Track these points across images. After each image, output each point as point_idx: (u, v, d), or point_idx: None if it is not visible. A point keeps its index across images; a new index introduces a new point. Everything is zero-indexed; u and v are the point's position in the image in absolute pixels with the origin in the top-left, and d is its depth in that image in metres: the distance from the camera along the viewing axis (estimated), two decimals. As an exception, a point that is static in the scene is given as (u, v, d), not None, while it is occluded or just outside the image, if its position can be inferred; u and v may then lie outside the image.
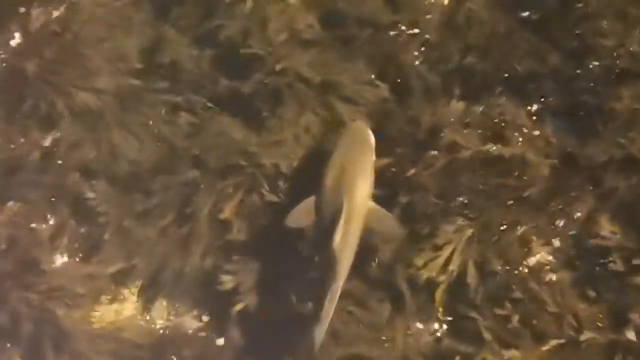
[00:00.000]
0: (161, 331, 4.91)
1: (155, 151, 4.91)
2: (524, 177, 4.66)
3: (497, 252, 4.62)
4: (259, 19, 4.89)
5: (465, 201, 4.65)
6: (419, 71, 4.90)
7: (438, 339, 4.72)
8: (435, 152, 4.69)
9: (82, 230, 4.93)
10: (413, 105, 4.85)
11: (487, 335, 4.55)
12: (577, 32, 4.82)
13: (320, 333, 4.26)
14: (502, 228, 4.64)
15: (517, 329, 4.55)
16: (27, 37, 4.99)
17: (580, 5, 4.82)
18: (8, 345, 4.75)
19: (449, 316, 4.72)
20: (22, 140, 4.94)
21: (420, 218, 4.65)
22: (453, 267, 4.59)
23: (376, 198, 4.44)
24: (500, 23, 4.89)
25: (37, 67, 4.87)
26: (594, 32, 4.76)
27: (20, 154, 4.91)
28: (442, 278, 4.61)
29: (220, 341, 4.85)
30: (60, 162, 4.90)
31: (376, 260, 4.70)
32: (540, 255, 4.69)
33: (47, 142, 4.94)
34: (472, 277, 4.57)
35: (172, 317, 4.92)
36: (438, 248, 4.60)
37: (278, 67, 4.80)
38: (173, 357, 4.80)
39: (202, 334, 4.89)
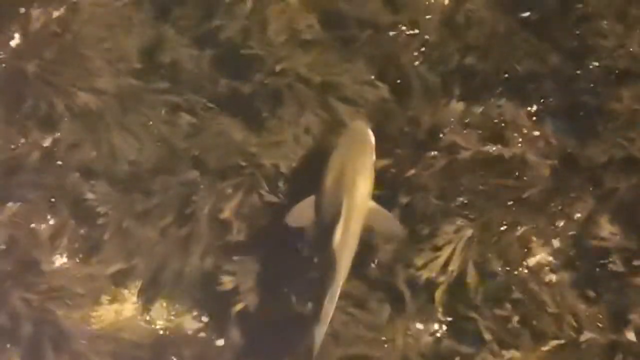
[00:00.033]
0: (161, 332, 4.90)
1: (155, 151, 4.90)
2: (524, 178, 4.66)
3: (497, 252, 4.61)
4: (259, 19, 4.88)
5: (465, 202, 4.65)
6: (419, 71, 4.89)
7: (438, 340, 4.71)
8: (435, 153, 4.69)
9: (82, 230, 4.93)
10: (413, 106, 4.85)
11: (487, 336, 4.55)
12: (577, 32, 4.82)
13: (320, 333, 4.25)
14: (502, 228, 4.64)
15: (517, 330, 4.55)
16: (27, 37, 4.99)
17: (580, 5, 4.82)
18: (8, 345, 4.74)
19: (449, 317, 4.71)
20: (22, 140, 4.94)
21: (420, 218, 4.65)
22: (453, 267, 4.58)
23: (376, 198, 4.44)
24: (500, 23, 4.89)
25: (37, 67, 4.87)
26: (594, 33, 4.76)
27: (20, 155, 4.91)
28: (442, 278, 4.60)
29: (220, 342, 4.84)
30: (60, 162, 4.91)
31: (376, 260, 4.69)
32: (540, 256, 4.69)
33: (47, 143, 4.94)
34: (472, 277, 4.57)
35: (172, 318, 4.91)
36: (438, 248, 4.59)
37: (278, 68, 4.79)
38: (173, 357, 4.79)
39: (202, 334, 4.88)
